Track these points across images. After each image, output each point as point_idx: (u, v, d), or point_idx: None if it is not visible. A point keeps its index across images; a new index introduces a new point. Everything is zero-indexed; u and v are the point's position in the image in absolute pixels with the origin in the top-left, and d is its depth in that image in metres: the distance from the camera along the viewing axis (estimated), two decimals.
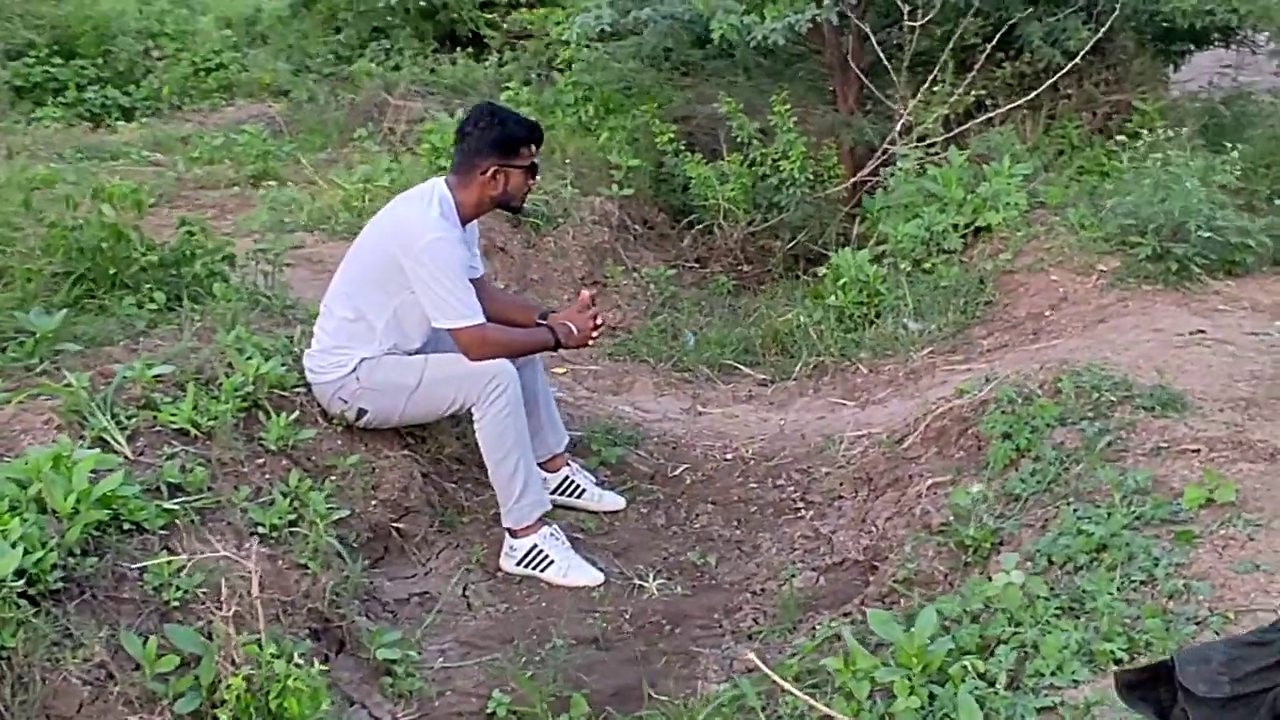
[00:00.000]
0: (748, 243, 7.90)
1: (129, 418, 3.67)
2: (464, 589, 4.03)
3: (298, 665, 2.96)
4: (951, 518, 3.82)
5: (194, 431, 3.74)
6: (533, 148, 4.13)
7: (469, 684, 3.51)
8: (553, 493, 4.51)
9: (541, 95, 8.95)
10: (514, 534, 4.08)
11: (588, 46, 7.87)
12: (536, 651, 3.67)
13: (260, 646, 2.97)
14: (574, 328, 4.23)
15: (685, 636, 3.84)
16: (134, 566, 3.12)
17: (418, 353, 4.14)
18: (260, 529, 3.54)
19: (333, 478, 4.00)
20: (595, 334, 4.29)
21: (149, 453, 3.60)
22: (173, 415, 3.73)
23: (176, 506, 3.38)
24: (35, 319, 4.02)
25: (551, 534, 4.09)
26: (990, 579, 3.19)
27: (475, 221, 4.30)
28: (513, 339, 4.12)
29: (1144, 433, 3.82)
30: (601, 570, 4.15)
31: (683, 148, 8.06)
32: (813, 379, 5.97)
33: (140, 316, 4.52)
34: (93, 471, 3.16)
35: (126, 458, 3.54)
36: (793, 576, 4.08)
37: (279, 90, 13.45)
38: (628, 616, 3.92)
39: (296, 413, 4.12)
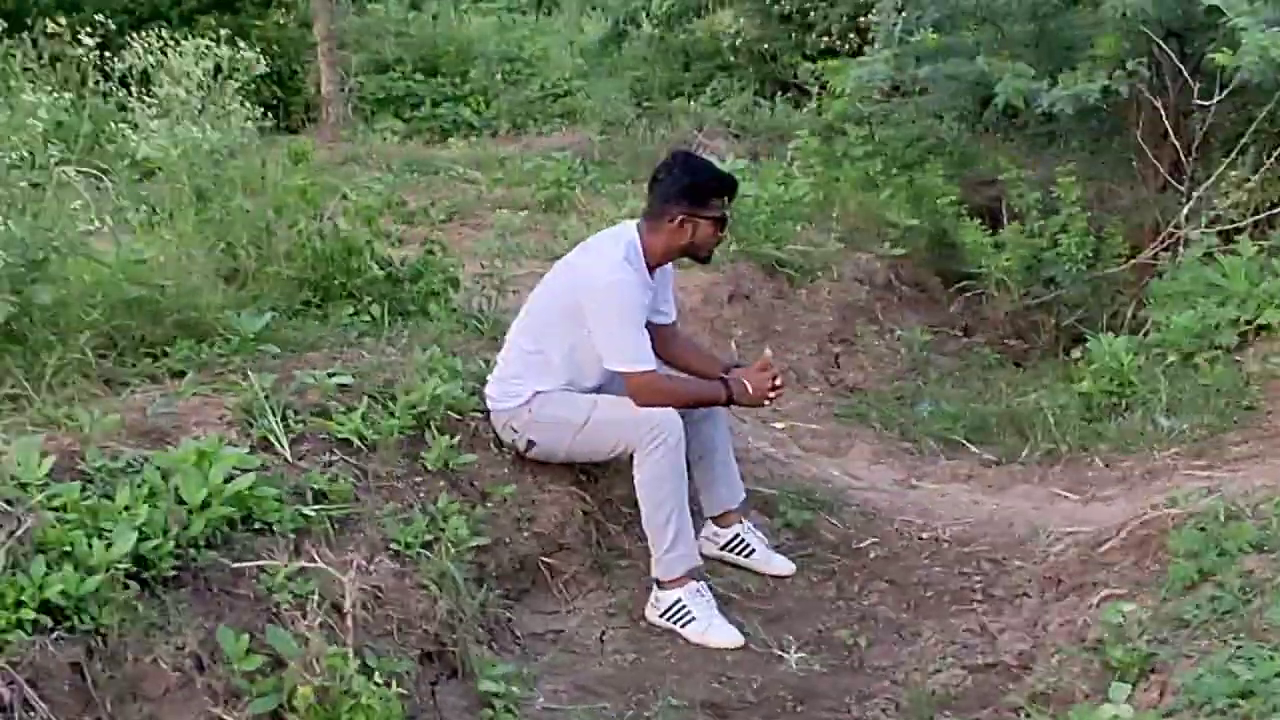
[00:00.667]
0: (1018, 316, 7.59)
1: (298, 422, 3.82)
2: (602, 633, 4.02)
3: (377, 684, 3.00)
4: (1104, 634, 3.54)
5: (357, 443, 3.86)
6: (724, 200, 4.11)
7: None
8: (722, 548, 4.47)
9: (831, 145, 8.87)
10: (661, 585, 4.05)
11: (865, 100, 7.75)
12: (649, 707, 3.62)
13: (345, 660, 3.02)
14: (750, 385, 4.17)
15: (808, 714, 3.71)
16: (253, 565, 3.21)
17: (594, 391, 4.16)
18: (394, 545, 3.61)
19: (489, 505, 4.04)
20: (773, 395, 4.21)
21: (309, 458, 3.76)
22: (340, 425, 3.86)
23: (314, 513, 3.48)
24: (243, 319, 4.26)
25: (698, 590, 4.04)
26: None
27: (669, 266, 4.31)
28: (681, 389, 4.10)
29: None
30: (745, 635, 4.03)
31: (963, 212, 7.83)
32: (1042, 466, 5.67)
33: (355, 327, 4.72)
34: (236, 469, 3.31)
35: (286, 460, 3.69)
36: (938, 671, 3.87)
37: (608, 120, 13.82)
38: (755, 686, 3.82)
39: (465, 436, 4.19)
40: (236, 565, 3.23)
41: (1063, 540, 4.71)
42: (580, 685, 3.72)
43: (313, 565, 3.27)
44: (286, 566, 3.24)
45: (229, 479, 3.29)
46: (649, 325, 4.35)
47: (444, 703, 3.45)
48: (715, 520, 4.49)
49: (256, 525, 3.38)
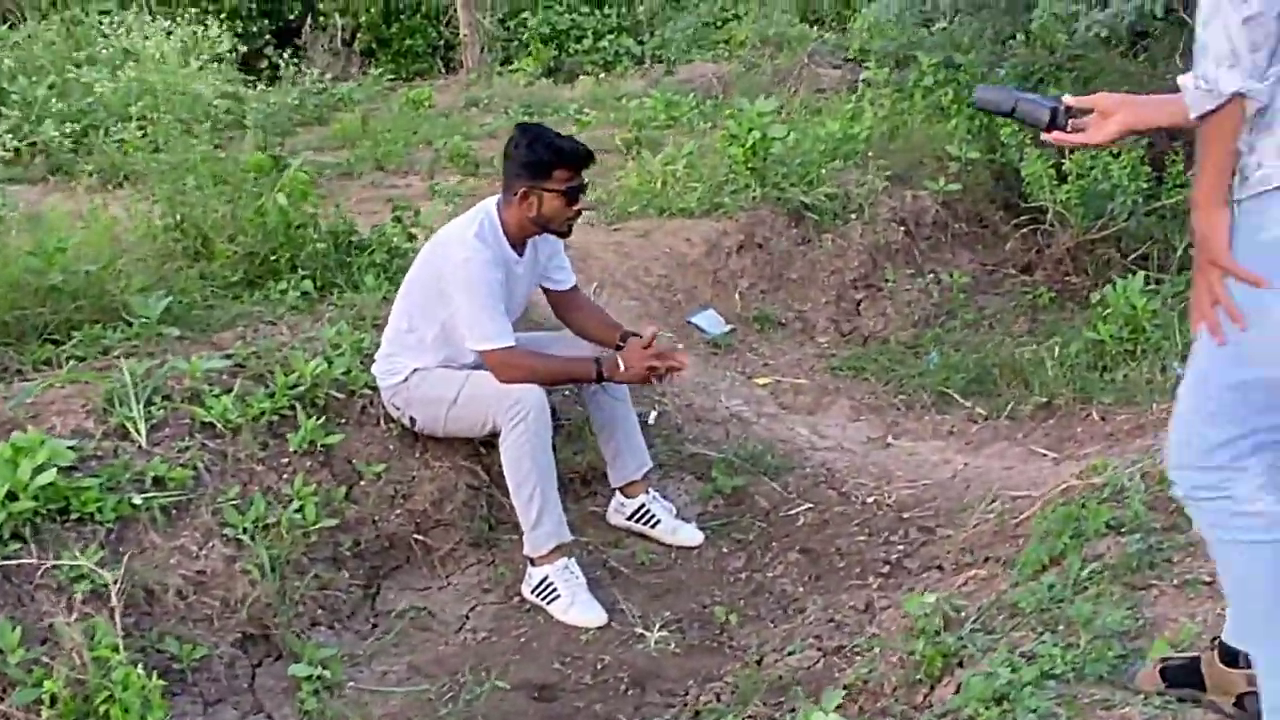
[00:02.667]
0: (1080, 251, 7.16)
1: (160, 408, 3.93)
2: (470, 610, 4.03)
3: (138, 675, 3.09)
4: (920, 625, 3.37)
5: (220, 426, 3.95)
6: (570, 173, 4.01)
7: (379, 712, 3.53)
8: (628, 519, 4.43)
9: (902, 75, 8.53)
10: (531, 561, 4.03)
11: (888, 34, 7.40)
12: (472, 689, 3.62)
13: (115, 650, 3.13)
14: (624, 363, 4.08)
15: (641, 699, 3.66)
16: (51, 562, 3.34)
17: (473, 367, 4.15)
18: (229, 530, 3.70)
19: (362, 484, 4.09)
20: (652, 375, 4.11)
21: (166, 444, 3.87)
22: (207, 409, 3.96)
23: (141, 501, 3.59)
24: (145, 303, 4.39)
25: (565, 566, 4.01)
26: None
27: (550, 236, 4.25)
28: (543, 365, 4.05)
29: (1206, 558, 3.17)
30: (614, 612, 3.99)
31: (1029, 142, 7.42)
32: (1034, 420, 5.40)
33: (285, 303, 4.81)
34: (53, 463, 3.44)
35: (140, 447, 3.81)
36: (791, 653, 3.75)
37: (756, 47, 13.56)
38: (599, 668, 3.78)
39: (353, 414, 4.24)
40: (45, 558, 3.32)
41: (1008, 507, 4.47)
42: (414, 665, 3.75)
43: (80, 560, 3.34)
44: (87, 556, 3.33)
45: (40, 471, 3.40)
46: (547, 292, 4.32)
47: (261, 685, 3.53)
48: (621, 490, 4.44)
49: (75, 516, 3.47)
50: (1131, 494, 3.63)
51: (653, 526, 4.41)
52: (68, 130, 8.02)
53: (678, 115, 10.19)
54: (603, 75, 13.55)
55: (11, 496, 3.38)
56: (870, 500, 4.75)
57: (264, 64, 17.05)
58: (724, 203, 6.51)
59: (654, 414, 5.11)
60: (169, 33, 10.10)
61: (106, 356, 4.22)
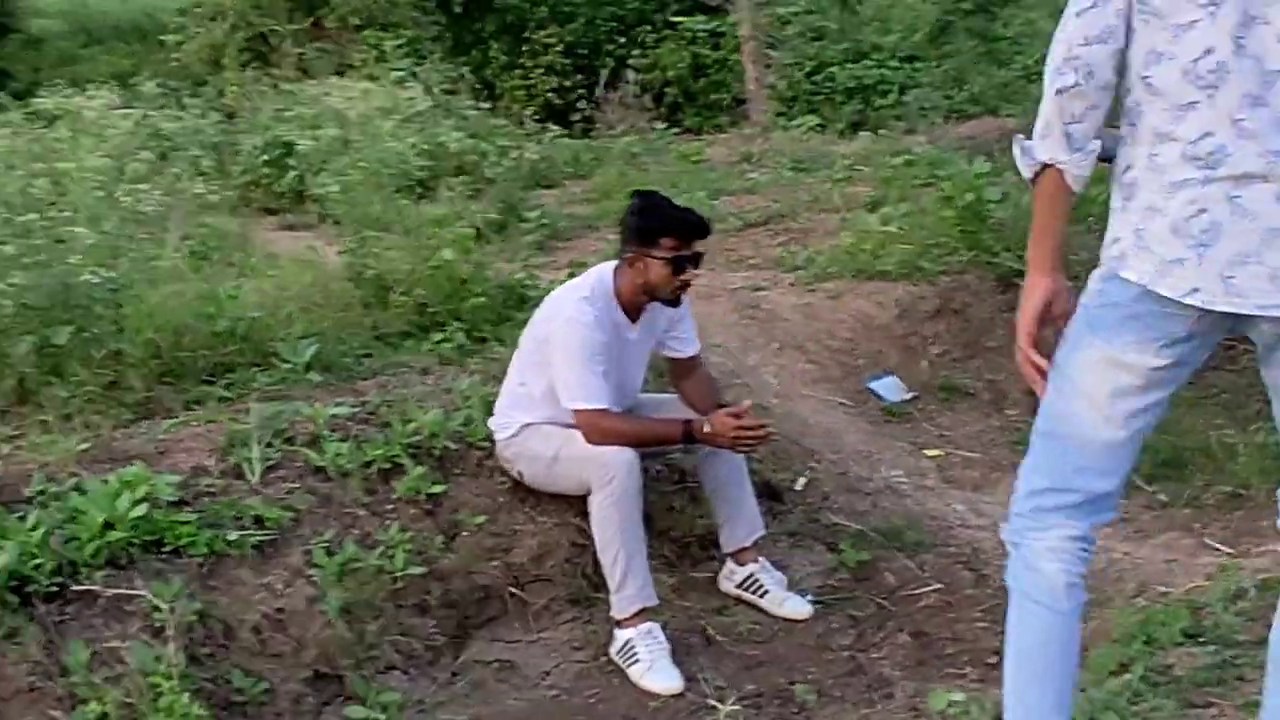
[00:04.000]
0: None
1: (278, 450, 4.18)
2: (553, 667, 4.07)
3: (184, 703, 3.30)
4: None
5: (330, 471, 4.16)
6: (679, 241, 4.04)
7: None
8: (738, 586, 4.39)
9: None
10: (617, 624, 4.05)
11: None
12: None
13: (168, 678, 3.35)
14: (712, 427, 4.06)
15: None
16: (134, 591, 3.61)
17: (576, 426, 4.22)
18: (316, 571, 3.88)
19: (465, 534, 4.21)
20: (740, 442, 4.08)
21: (276, 485, 4.10)
22: (319, 455, 4.19)
23: (235, 538, 3.83)
24: (292, 349, 4.67)
25: (649, 631, 4.00)
26: None
27: (685, 300, 4.27)
28: (630, 428, 4.07)
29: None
30: (692, 680, 3.96)
31: None
32: (1219, 510, 5.01)
33: (436, 353, 5.02)
34: (153, 496, 3.73)
35: (251, 487, 4.06)
36: None
37: None
38: None
39: (468, 466, 4.38)
40: (133, 587, 3.59)
41: (1140, 603, 4.19)
42: (478, 716, 3.80)
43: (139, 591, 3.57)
44: (168, 588, 3.56)
45: (138, 504, 3.67)
46: (668, 359, 4.35)
47: None
48: (732, 557, 4.39)
49: (169, 548, 3.73)
50: (1231, 600, 3.32)
51: (761, 596, 4.34)
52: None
53: (939, 175, 9.93)
54: (887, 131, 13.35)
55: (110, 526, 3.61)
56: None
57: (576, 117, 17.76)
58: (924, 266, 6.30)
59: (802, 480, 5.02)
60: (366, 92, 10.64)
61: (245, 400, 4.45)
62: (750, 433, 4.06)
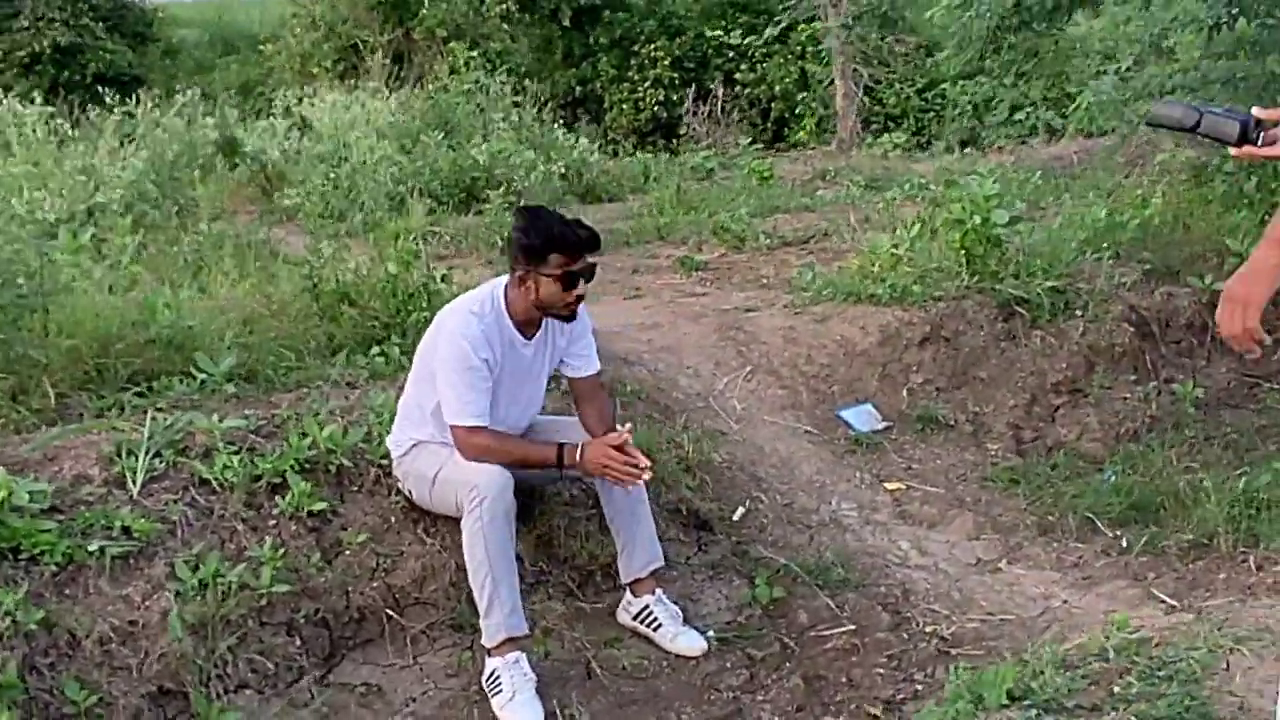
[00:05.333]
0: None
1: (165, 462, 4.15)
2: (421, 693, 3.97)
3: None
4: None
5: (215, 485, 4.13)
6: (568, 257, 3.91)
7: None
8: (634, 619, 4.24)
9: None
10: (488, 652, 3.94)
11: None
12: None
13: None
14: (586, 455, 3.93)
15: None
16: None
17: None
18: (177, 585, 3.84)
19: (348, 552, 4.14)
20: (610, 472, 3.93)
21: (156, 497, 4.07)
22: (206, 467, 4.15)
23: (96, 549, 3.81)
24: (204, 360, 4.66)
25: (515, 661, 3.87)
26: None
27: (584, 317, 4.20)
28: (503, 446, 3.95)
29: None
30: (545, 716, 3.82)
31: None
32: (1183, 560, 4.70)
33: (369, 369, 4.96)
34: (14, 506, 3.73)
35: (132, 497, 4.05)
36: None
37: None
38: None
39: (366, 483, 4.31)
40: None
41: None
42: None
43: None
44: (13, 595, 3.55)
45: None
46: (567, 378, 4.25)
47: None
48: (629, 588, 4.25)
49: (26, 556, 3.72)
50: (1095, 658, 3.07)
51: (654, 629, 4.19)
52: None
53: (1004, 195, 9.61)
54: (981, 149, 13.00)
55: None
56: (928, 630, 4.28)
57: (683, 130, 17.64)
58: (915, 290, 6.05)
59: (740, 510, 4.85)
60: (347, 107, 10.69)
61: (159, 409, 4.43)
62: (620, 465, 3.90)
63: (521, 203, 8.35)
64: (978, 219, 6.37)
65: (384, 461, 4.32)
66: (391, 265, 5.20)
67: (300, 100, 11.78)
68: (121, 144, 9.55)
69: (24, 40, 23.94)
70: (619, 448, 3.91)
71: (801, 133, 19.29)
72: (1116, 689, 2.93)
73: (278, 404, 4.60)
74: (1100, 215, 7.02)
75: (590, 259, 3.98)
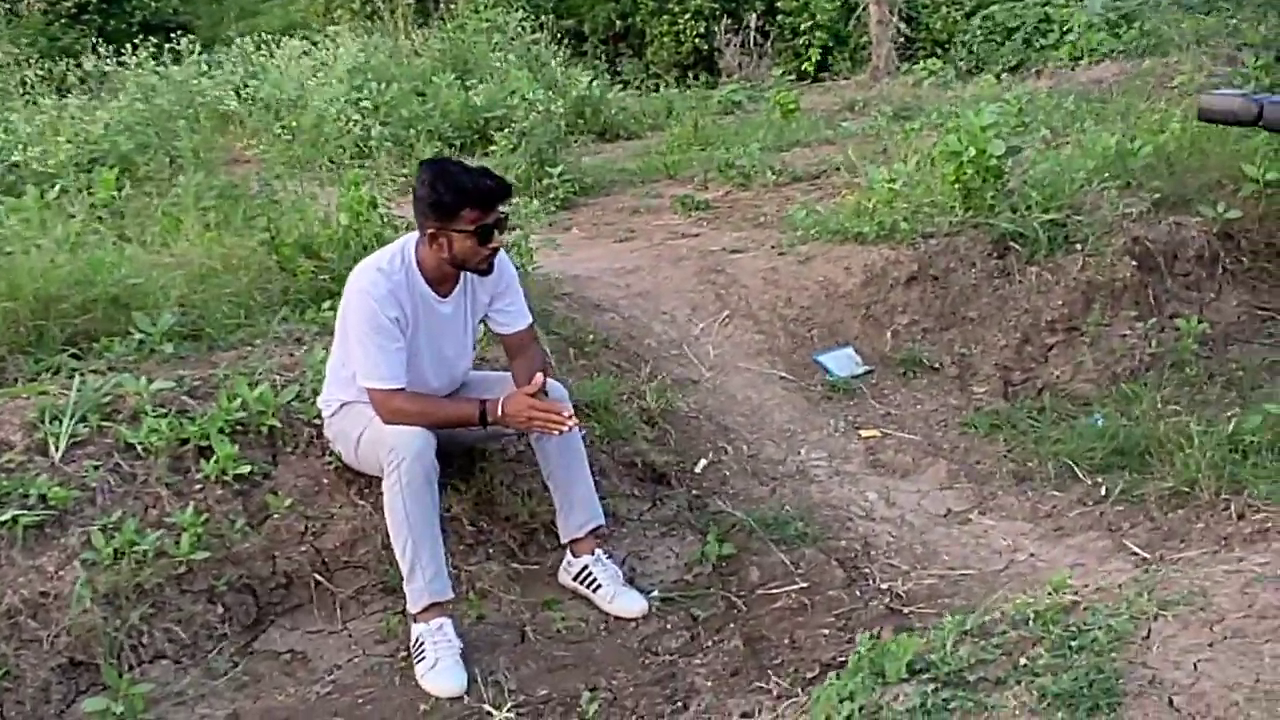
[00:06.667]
0: None
1: (89, 426, 4.06)
2: (346, 660, 3.87)
3: None
4: None
5: (139, 449, 4.03)
6: (481, 211, 3.74)
7: None
8: (574, 579, 4.10)
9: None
10: (412, 618, 3.82)
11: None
12: None
13: None
14: (505, 409, 3.78)
15: None
16: None
17: None
18: (91, 554, 3.75)
19: (274, 518, 4.03)
20: (535, 424, 3.77)
21: (78, 463, 3.98)
22: (130, 432, 4.05)
23: (9, 518, 3.72)
24: (142, 319, 4.55)
25: (439, 627, 3.75)
26: None
27: (506, 269, 4.02)
28: (421, 408, 3.80)
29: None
30: (486, 684, 3.70)
31: None
32: (1159, 508, 4.48)
33: (317, 324, 4.83)
34: None
35: (54, 464, 3.96)
36: None
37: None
38: None
39: (299, 444, 4.19)
40: None
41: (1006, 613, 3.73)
42: (238, 712, 3.62)
43: None
44: None
45: None
46: (496, 334, 4.10)
47: (73, 714, 3.53)
48: (569, 548, 4.11)
49: None
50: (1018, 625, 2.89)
51: (594, 590, 4.05)
52: None
53: (1028, 122, 9.27)
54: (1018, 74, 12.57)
55: None
56: (884, 587, 4.12)
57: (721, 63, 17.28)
58: (901, 228, 5.80)
59: (702, 463, 4.69)
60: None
61: (94, 371, 4.33)
62: (545, 415, 3.74)
63: (523, 143, 8.12)
64: (973, 150, 6.07)
65: (317, 422, 4.19)
66: (344, 216, 5.03)
67: (315, 44, 11.62)
68: (146, 95, 9.49)
69: None
70: (534, 396, 3.74)
71: (847, 63, 18.81)
72: (1024, 660, 2.73)
73: (217, 363, 4.48)
74: (1110, 143, 6.69)
75: (503, 209, 3.79)
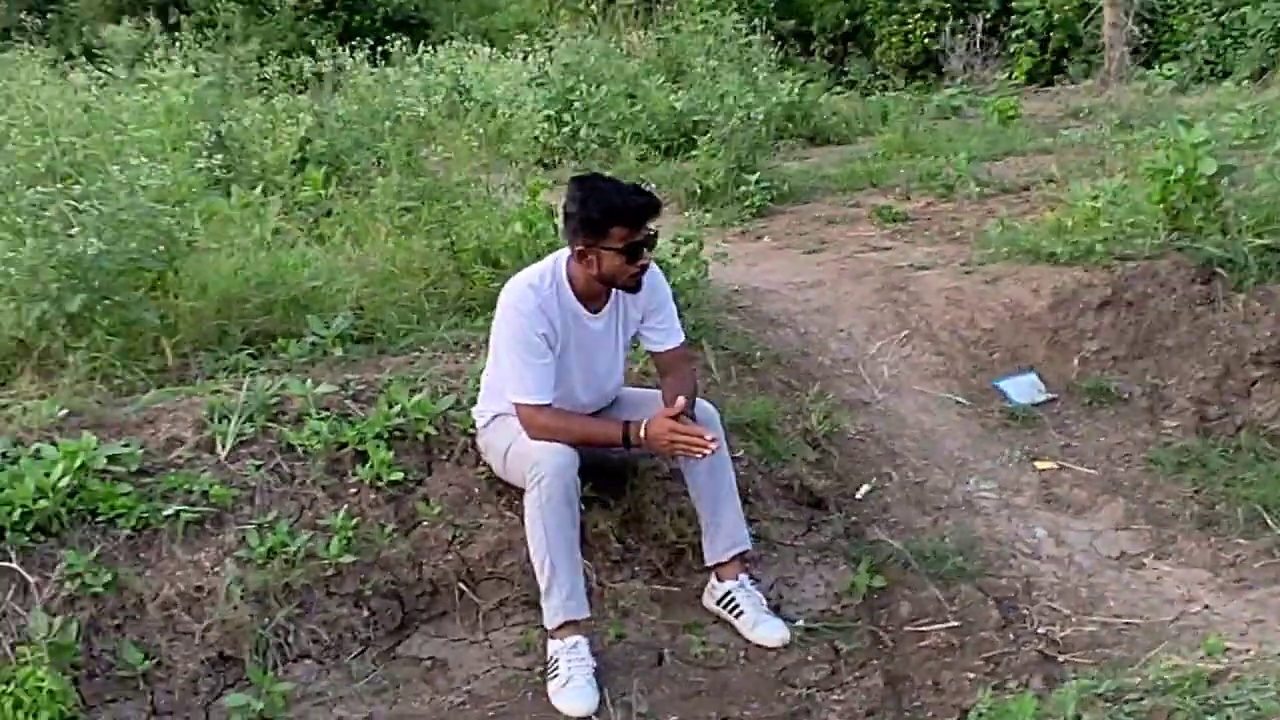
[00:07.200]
0: None
1: (256, 427, 4.21)
2: (484, 671, 3.92)
3: (39, 679, 3.40)
4: None
5: (300, 451, 4.16)
6: (630, 229, 3.73)
7: None
8: (717, 603, 4.07)
9: None
10: (548, 633, 3.85)
11: None
12: None
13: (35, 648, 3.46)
14: (648, 432, 3.76)
15: None
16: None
17: None
18: (244, 552, 3.89)
19: (423, 525, 4.11)
20: (677, 446, 3.75)
21: (242, 462, 4.14)
22: (294, 434, 4.20)
23: (172, 513, 3.89)
24: (315, 322, 4.69)
25: (574, 645, 3.76)
26: None
27: (659, 285, 4.03)
28: (567, 425, 3.81)
29: None
30: (598, 704, 3.70)
31: None
32: None
33: (485, 330, 4.90)
34: (89, 466, 3.86)
35: (219, 462, 4.13)
36: None
37: None
38: None
39: (454, 453, 4.27)
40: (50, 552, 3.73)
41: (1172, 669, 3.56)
42: (373, 716, 3.69)
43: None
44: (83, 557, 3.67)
45: (76, 473, 3.80)
46: (648, 352, 4.10)
47: (218, 707, 3.66)
48: (714, 571, 4.08)
49: (104, 519, 3.84)
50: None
51: (736, 616, 4.00)
52: None
53: (1263, 134, 8.83)
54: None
55: (45, 494, 3.73)
56: (1041, 631, 3.95)
57: (945, 65, 16.94)
58: (1096, 249, 5.55)
59: (865, 488, 4.58)
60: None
61: (270, 371, 4.48)
62: (687, 438, 3.70)
63: (724, 148, 8.07)
64: (1182, 169, 5.76)
65: (472, 431, 4.24)
66: (518, 225, 5.07)
67: (534, 46, 11.80)
68: (361, 95, 9.79)
69: None
70: (678, 419, 3.69)
71: (1083, 64, 18.16)
72: None
73: (384, 367, 4.57)
74: None
75: (652, 226, 3.76)
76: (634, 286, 3.83)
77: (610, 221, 3.69)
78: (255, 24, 24.51)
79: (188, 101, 8.00)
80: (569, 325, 3.86)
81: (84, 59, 12.06)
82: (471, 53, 13.13)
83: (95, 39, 18.28)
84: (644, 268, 3.80)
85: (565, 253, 3.91)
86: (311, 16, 24.79)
